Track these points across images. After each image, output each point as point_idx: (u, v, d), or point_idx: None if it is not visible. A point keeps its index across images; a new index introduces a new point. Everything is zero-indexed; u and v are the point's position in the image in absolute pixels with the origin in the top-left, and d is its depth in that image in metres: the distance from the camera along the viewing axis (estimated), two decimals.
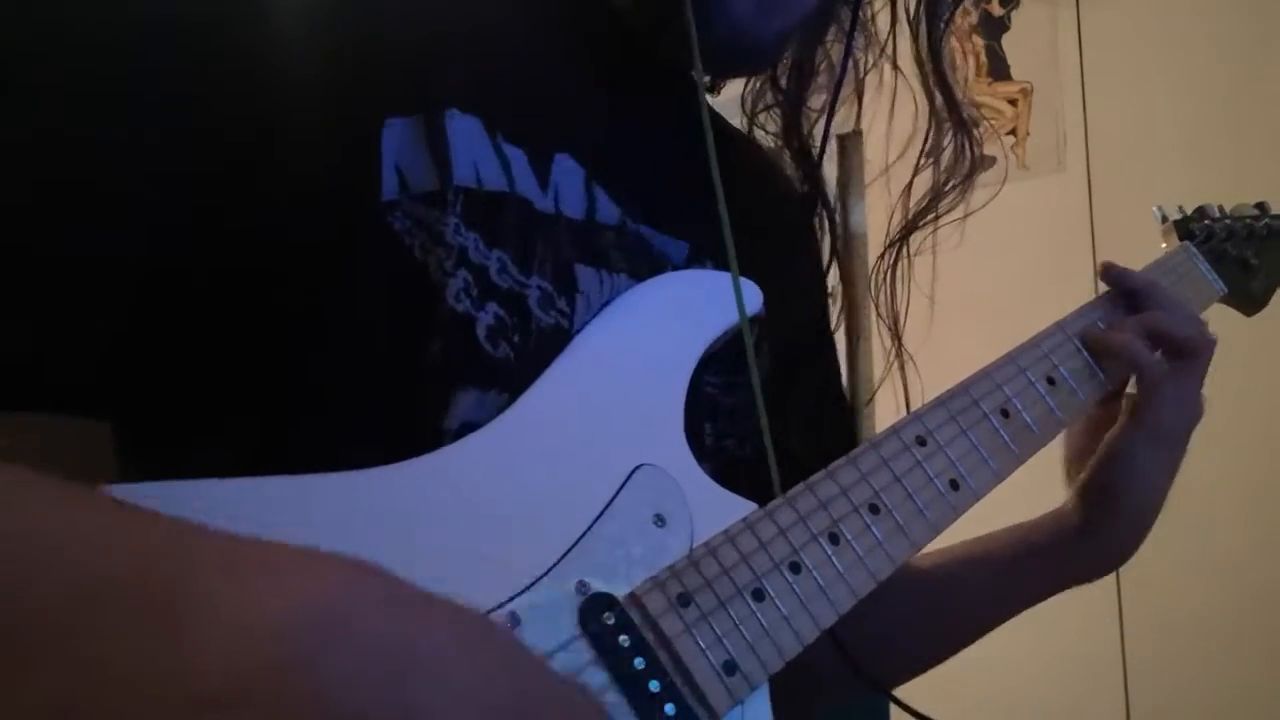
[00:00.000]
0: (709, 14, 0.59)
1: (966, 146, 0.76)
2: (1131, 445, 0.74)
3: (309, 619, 0.31)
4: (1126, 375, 0.74)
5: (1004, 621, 0.77)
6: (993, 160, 2.44)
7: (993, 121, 2.41)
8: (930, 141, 0.75)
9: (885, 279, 0.76)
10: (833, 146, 2.42)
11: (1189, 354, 0.74)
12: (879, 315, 0.76)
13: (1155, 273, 0.81)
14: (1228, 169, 2.01)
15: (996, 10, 2.49)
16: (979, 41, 2.49)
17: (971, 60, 2.50)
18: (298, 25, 0.48)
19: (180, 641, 0.30)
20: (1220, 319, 0.87)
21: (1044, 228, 2.29)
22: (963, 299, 2.33)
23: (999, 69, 2.47)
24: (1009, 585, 0.77)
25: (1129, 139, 2.24)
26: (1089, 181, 2.28)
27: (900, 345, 0.77)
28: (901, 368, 0.76)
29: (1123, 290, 0.76)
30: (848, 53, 0.73)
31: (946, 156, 0.76)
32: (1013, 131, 2.42)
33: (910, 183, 0.77)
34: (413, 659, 0.32)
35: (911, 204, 0.76)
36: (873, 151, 0.80)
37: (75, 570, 0.32)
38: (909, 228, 0.76)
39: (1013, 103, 2.43)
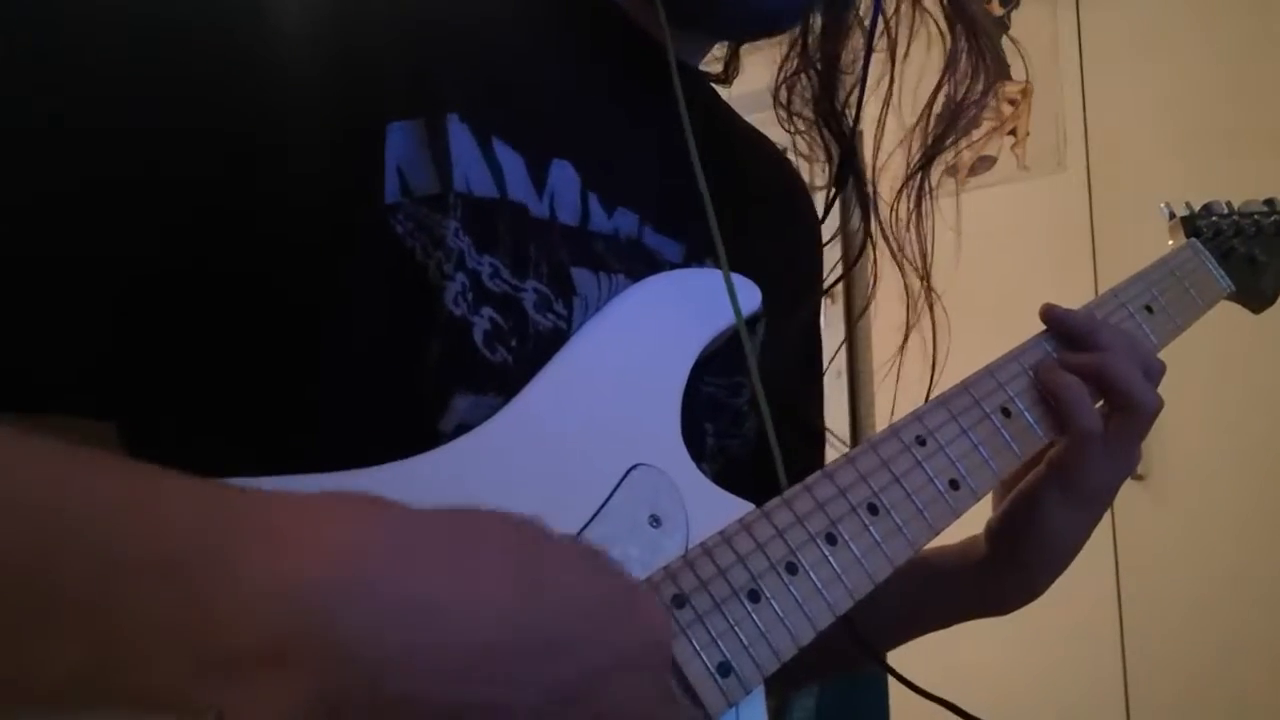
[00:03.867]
0: None
1: (983, 66, 0.71)
2: (1047, 499, 0.68)
3: (337, 580, 0.33)
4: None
5: (911, 638, 0.74)
6: (992, 161, 2.44)
7: (992, 121, 2.41)
8: (948, 57, 0.71)
9: (910, 216, 0.71)
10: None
11: (1130, 410, 0.66)
12: (902, 258, 0.71)
13: (1162, 270, 0.78)
14: (1227, 168, 2.01)
15: (996, 10, 2.48)
16: None
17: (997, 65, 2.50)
18: (299, 28, 0.48)
19: (212, 604, 0.32)
20: (1223, 316, 0.86)
21: (1044, 228, 2.29)
22: (963, 299, 2.32)
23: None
24: (917, 606, 0.72)
25: (1129, 139, 2.23)
26: (1089, 181, 2.28)
27: (930, 287, 0.72)
28: (931, 310, 0.72)
29: (1063, 335, 0.69)
30: (877, 7, 0.70)
31: (962, 70, 0.70)
32: (1013, 131, 2.41)
33: (929, 105, 0.71)
34: (439, 607, 0.34)
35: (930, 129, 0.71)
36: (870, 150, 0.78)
37: (102, 540, 0.33)
38: (930, 153, 0.72)
39: (1013, 103, 2.43)
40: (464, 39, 0.54)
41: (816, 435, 0.78)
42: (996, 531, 0.71)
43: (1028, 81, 2.40)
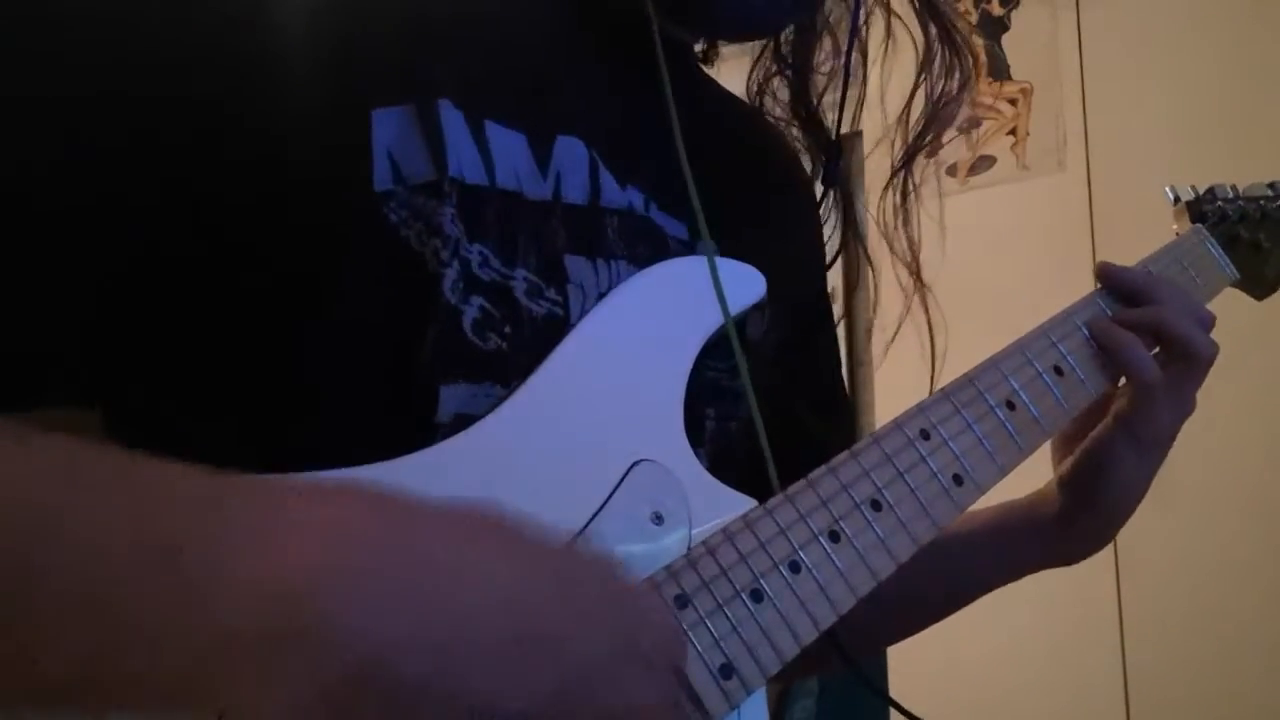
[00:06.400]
0: None
1: (957, 62, 0.74)
2: (1116, 447, 0.72)
3: (338, 566, 0.34)
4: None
5: (977, 598, 0.78)
6: (992, 161, 2.44)
7: (993, 121, 2.41)
8: (922, 62, 0.73)
9: (897, 213, 0.74)
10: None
11: (1189, 359, 0.70)
12: (892, 254, 0.74)
13: (1167, 258, 0.78)
14: (1227, 168, 2.00)
15: (996, 10, 2.48)
16: (979, 41, 2.49)
17: (971, 60, 2.49)
18: (285, 15, 0.47)
19: (211, 592, 0.32)
20: (1225, 315, 0.85)
21: (1044, 228, 2.29)
22: (963, 299, 2.32)
23: (999, 69, 2.46)
24: (985, 566, 0.77)
25: (1129, 139, 2.23)
26: (1089, 181, 2.28)
27: (920, 281, 0.75)
28: (924, 303, 0.75)
29: (1121, 291, 0.73)
30: (858, 7, 0.71)
31: (938, 73, 0.73)
32: (1013, 131, 2.41)
33: (909, 104, 0.74)
34: (444, 596, 0.35)
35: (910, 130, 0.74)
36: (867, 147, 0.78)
37: (100, 530, 0.33)
38: (912, 150, 0.74)
39: (1013, 103, 2.42)
40: (455, 26, 0.54)
41: (837, 403, 0.79)
42: (1069, 482, 0.74)
43: (1028, 81, 2.40)
